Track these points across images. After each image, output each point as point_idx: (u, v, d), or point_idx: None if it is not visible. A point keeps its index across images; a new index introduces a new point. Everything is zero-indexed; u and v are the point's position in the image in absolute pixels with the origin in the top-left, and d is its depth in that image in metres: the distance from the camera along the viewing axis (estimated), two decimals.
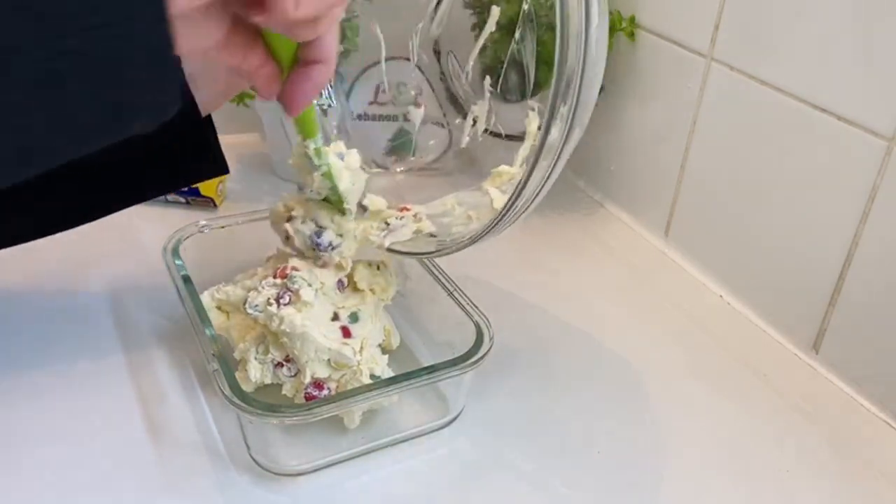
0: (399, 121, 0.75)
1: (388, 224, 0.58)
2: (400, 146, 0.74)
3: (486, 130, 0.64)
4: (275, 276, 0.55)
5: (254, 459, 0.52)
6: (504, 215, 0.49)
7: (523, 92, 0.67)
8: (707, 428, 0.59)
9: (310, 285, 0.54)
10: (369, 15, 0.67)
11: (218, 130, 0.55)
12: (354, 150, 0.55)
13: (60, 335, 0.62)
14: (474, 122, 0.65)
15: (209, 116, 0.54)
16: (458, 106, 0.71)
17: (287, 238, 0.57)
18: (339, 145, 0.55)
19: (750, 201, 0.69)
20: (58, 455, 0.52)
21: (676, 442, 0.57)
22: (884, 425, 0.60)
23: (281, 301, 0.53)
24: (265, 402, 0.49)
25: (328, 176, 0.53)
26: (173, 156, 0.54)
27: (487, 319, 0.56)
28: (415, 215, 0.58)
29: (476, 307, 0.57)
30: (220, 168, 0.56)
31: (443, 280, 0.60)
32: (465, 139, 0.66)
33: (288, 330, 0.52)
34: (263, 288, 0.54)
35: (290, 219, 0.57)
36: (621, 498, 0.53)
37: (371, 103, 0.75)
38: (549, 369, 0.63)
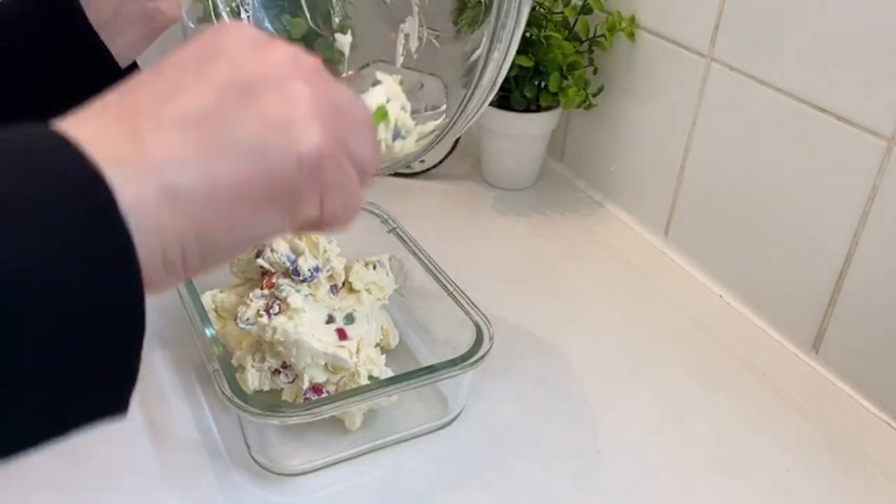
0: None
1: None
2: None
3: (418, 48, 0.62)
4: (262, 288, 0.55)
5: (254, 459, 0.52)
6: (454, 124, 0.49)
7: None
8: (707, 428, 0.59)
9: (298, 291, 0.54)
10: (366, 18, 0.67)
11: None
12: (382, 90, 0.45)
13: None
14: (406, 39, 0.63)
15: (135, 65, 0.52)
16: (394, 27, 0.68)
17: (265, 274, 0.56)
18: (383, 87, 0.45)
19: (750, 201, 0.69)
20: (58, 455, 0.52)
21: (676, 441, 0.57)
22: (884, 425, 0.60)
23: (271, 311, 0.53)
24: (265, 402, 0.49)
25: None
26: None
27: (487, 319, 0.56)
28: None
29: (476, 307, 0.57)
30: None
31: (443, 280, 0.60)
32: (400, 59, 0.63)
33: (282, 339, 0.52)
34: (252, 301, 0.54)
35: (258, 254, 0.56)
36: (621, 497, 0.53)
37: None
38: (549, 369, 0.63)
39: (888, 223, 0.58)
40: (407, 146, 0.46)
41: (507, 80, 0.68)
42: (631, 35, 0.78)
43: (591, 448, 0.56)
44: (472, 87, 0.47)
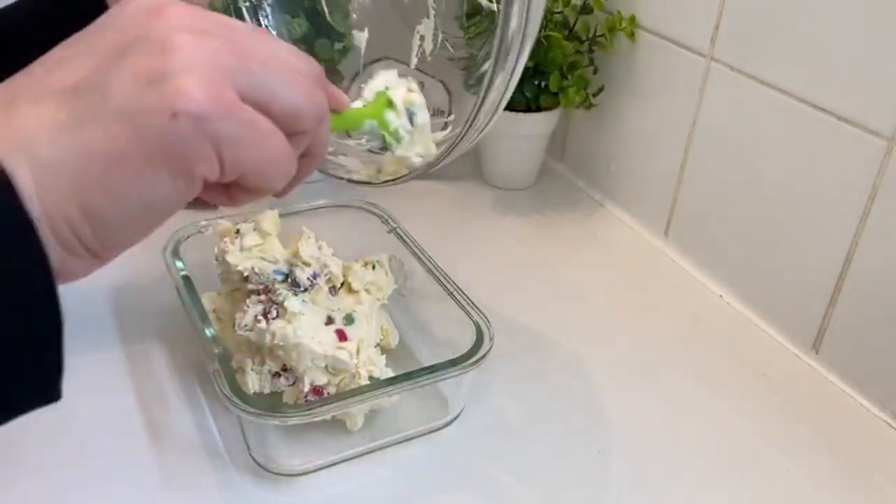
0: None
1: None
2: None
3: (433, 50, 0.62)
4: (258, 294, 0.55)
5: (254, 459, 0.52)
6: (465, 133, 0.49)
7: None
8: (707, 428, 0.59)
9: (295, 295, 0.54)
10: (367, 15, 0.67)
11: None
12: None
13: None
14: (421, 41, 0.62)
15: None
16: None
17: (249, 285, 0.56)
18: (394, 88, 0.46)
19: (750, 201, 0.69)
20: (58, 455, 0.52)
21: (676, 441, 0.57)
22: (884, 425, 0.60)
23: (269, 316, 0.53)
24: (265, 402, 0.49)
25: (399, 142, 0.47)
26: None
27: (487, 319, 0.56)
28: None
29: (476, 307, 0.57)
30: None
31: (443, 280, 0.60)
32: (414, 60, 0.62)
33: (282, 343, 0.52)
34: (249, 307, 0.54)
35: (246, 279, 0.55)
36: (621, 497, 0.53)
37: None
38: (549, 369, 0.63)
39: (888, 223, 0.58)
40: (421, 146, 0.47)
41: None
42: (631, 35, 0.78)
43: (591, 448, 0.56)
44: (479, 101, 0.47)
